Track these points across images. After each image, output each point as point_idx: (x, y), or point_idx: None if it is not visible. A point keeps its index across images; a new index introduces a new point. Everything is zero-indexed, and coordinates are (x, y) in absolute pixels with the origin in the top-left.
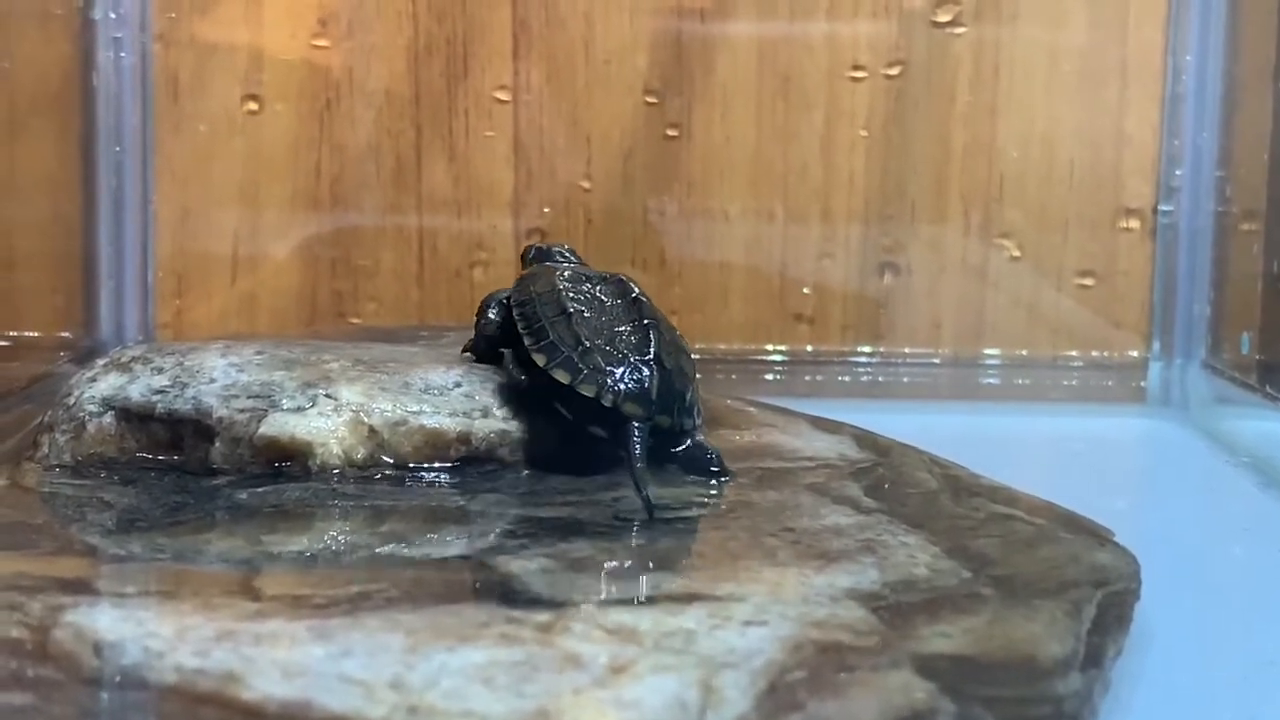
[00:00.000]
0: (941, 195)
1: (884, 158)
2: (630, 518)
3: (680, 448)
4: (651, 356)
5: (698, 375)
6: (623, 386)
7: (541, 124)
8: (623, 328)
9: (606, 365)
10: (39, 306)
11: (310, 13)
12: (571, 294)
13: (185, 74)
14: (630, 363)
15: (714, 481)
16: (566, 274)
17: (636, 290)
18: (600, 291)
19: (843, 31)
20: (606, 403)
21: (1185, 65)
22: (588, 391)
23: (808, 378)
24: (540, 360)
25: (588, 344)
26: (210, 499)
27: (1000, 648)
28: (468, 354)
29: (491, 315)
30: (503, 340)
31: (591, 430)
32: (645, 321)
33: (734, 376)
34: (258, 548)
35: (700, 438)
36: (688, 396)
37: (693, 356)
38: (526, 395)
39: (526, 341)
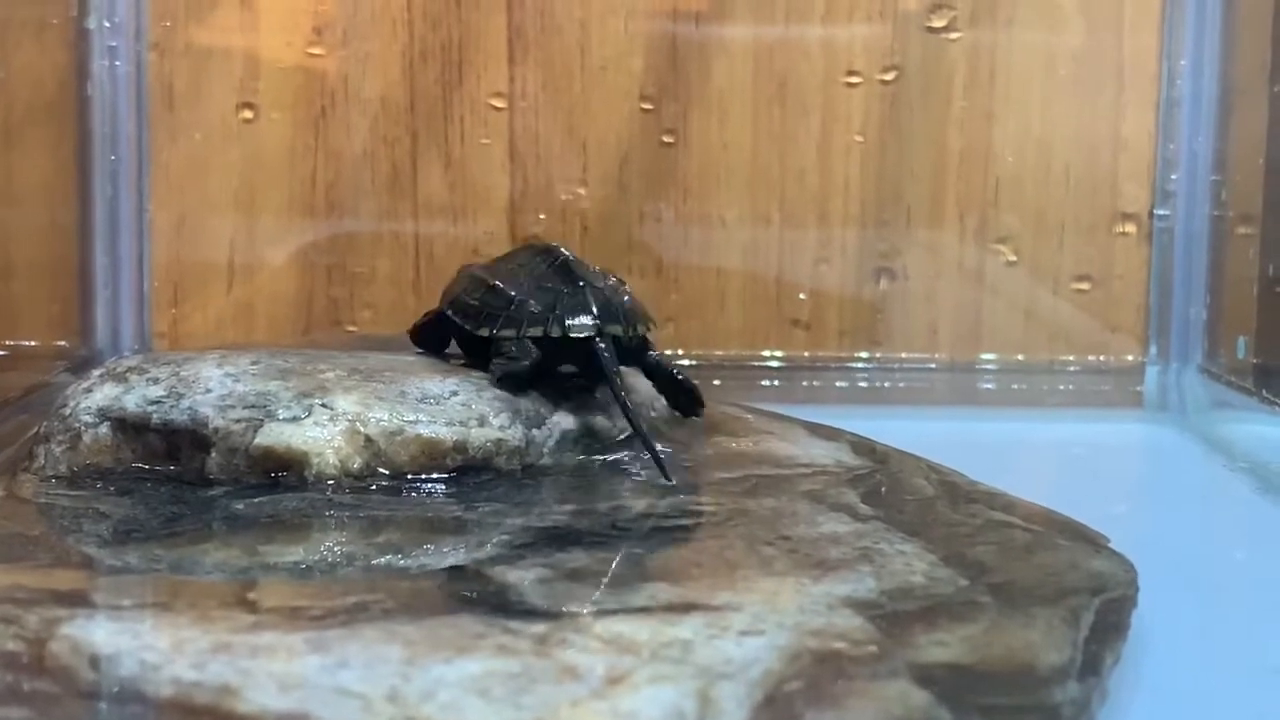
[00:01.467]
0: (937, 200)
1: (880, 163)
2: (628, 527)
3: (650, 355)
4: (579, 283)
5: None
6: (565, 317)
7: (537, 130)
8: (545, 271)
9: (540, 307)
10: (35, 316)
11: (305, 20)
12: (490, 272)
13: (180, 82)
14: (560, 294)
15: (694, 416)
16: (480, 264)
17: (554, 244)
18: (519, 261)
19: (838, 37)
20: (555, 334)
21: (1180, 70)
22: (535, 332)
23: (805, 383)
24: (485, 332)
25: (518, 299)
26: (206, 509)
27: (998, 656)
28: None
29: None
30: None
31: (566, 371)
32: (560, 259)
33: (731, 382)
34: (254, 558)
35: (676, 368)
36: (629, 305)
37: (621, 277)
38: (526, 375)
39: (468, 327)
